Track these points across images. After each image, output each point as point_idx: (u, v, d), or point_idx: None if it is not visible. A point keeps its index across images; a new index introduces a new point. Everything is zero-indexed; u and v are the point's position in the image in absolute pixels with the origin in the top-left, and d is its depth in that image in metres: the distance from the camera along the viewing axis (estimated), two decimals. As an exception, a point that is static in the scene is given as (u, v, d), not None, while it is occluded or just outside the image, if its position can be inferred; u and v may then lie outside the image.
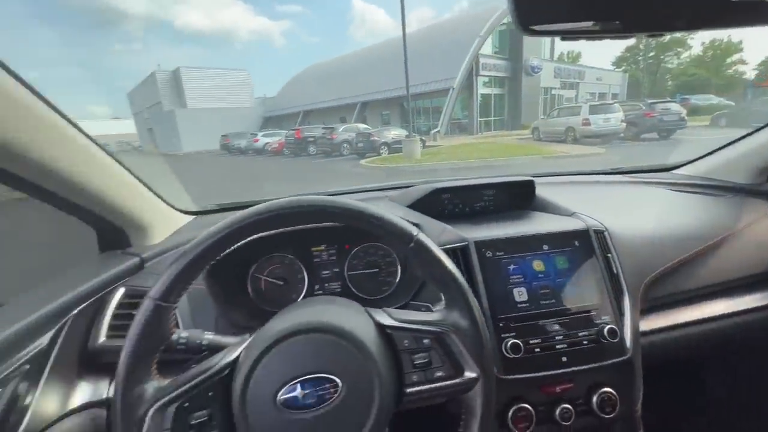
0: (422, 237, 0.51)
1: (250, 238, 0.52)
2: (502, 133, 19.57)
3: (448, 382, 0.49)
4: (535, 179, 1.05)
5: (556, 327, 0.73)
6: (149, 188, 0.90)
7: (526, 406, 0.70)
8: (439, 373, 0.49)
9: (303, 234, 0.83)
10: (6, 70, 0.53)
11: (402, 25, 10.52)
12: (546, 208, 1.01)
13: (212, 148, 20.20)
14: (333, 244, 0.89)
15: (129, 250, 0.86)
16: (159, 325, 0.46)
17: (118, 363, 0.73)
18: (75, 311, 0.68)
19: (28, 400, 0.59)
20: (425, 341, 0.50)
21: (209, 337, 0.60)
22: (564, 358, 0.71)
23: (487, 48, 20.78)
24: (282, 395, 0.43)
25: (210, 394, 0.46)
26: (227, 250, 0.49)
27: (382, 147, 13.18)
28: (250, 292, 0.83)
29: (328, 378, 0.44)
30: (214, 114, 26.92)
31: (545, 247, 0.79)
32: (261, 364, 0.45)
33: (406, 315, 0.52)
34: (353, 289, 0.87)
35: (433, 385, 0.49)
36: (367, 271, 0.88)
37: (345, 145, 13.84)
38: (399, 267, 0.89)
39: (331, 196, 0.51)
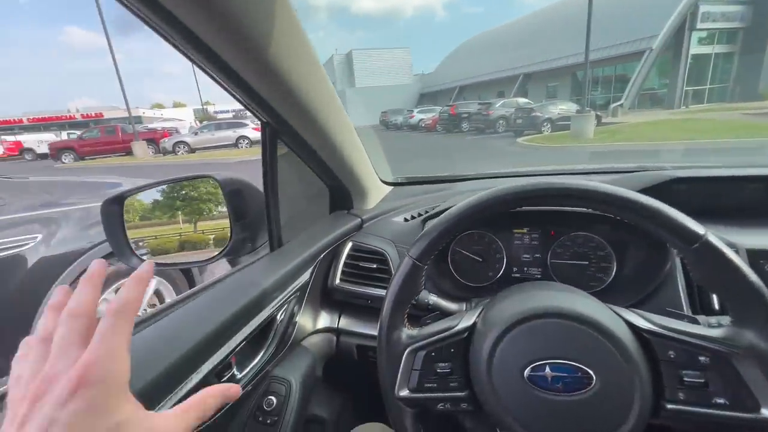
0: (712, 238, 0.42)
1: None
2: (718, 106, 14.70)
3: (732, 414, 0.41)
4: None
5: None
6: (369, 160, 1.04)
7: None
8: (720, 400, 0.41)
9: (506, 214, 0.81)
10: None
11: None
12: None
13: (372, 124, 22.18)
14: (537, 228, 0.84)
15: (352, 212, 1.03)
16: (413, 281, 0.53)
17: (346, 301, 0.91)
18: (321, 256, 0.86)
19: (297, 317, 0.79)
20: (701, 359, 0.42)
21: (433, 298, 0.66)
22: None
23: (714, -10, 15.54)
24: (529, 372, 0.44)
25: (452, 350, 0.51)
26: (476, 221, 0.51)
27: (545, 124, 11.80)
28: (450, 264, 0.88)
29: (580, 368, 0.43)
30: (376, 92, 29.38)
31: None
32: (507, 337, 0.46)
33: (671, 322, 0.45)
34: (555, 279, 0.81)
35: (708, 411, 0.42)
36: (574, 262, 0.81)
37: (501, 121, 13.01)
38: (615, 263, 0.78)
39: (592, 182, 0.47)
